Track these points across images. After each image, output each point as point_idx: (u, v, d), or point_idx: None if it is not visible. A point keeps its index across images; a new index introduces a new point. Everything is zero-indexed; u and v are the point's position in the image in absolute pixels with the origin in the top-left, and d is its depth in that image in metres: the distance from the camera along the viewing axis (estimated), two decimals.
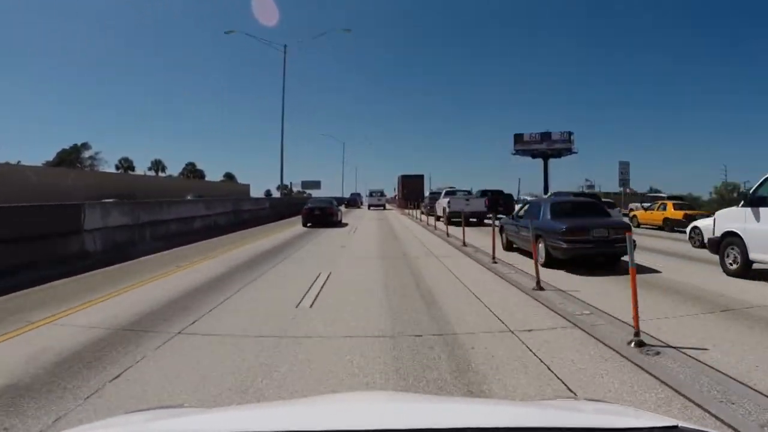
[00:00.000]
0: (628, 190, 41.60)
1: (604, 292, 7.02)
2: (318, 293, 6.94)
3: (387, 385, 3.54)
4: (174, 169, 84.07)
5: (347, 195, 62.80)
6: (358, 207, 51.25)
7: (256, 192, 65.35)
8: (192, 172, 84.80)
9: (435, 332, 4.96)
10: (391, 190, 64.48)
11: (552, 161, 66.56)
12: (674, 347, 4.37)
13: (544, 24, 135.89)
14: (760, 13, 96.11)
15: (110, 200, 17.17)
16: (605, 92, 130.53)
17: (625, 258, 9.71)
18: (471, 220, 18.96)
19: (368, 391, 3.03)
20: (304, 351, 4.37)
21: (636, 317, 4.47)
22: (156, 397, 3.32)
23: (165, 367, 3.97)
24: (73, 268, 9.01)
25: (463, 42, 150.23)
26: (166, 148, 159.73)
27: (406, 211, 37.01)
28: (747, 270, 8.03)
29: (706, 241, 13.23)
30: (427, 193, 37.14)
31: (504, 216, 14.99)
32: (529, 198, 30.83)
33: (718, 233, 8.73)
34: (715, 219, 9.28)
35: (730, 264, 8.35)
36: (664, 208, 20.68)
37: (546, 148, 65.15)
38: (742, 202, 8.21)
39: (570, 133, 65.00)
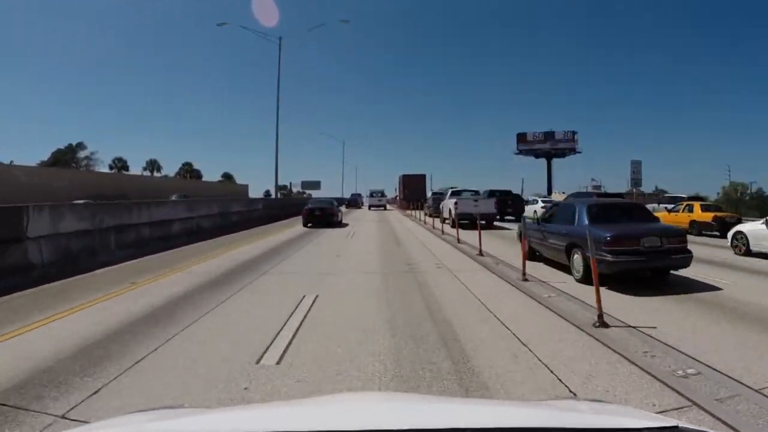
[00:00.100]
0: (634, 191, 39.96)
1: (690, 328, 5.33)
2: (293, 337, 4.85)
3: None
4: (172, 169, 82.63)
5: (347, 195, 61.91)
6: (359, 207, 49.99)
7: (256, 192, 64.10)
8: (188, 172, 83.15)
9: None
10: (392, 191, 62.92)
11: (555, 161, 65.19)
12: None
13: (545, 24, 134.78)
14: (760, 13, 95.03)
15: (80, 201, 15.42)
16: (606, 92, 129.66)
17: (677, 272, 8.27)
18: (480, 222, 17.25)
19: (368, 392, 3.07)
20: None
21: None
22: None
23: None
24: (5, 286, 7.30)
25: (463, 42, 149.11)
26: (164, 148, 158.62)
27: (408, 212, 35.35)
28: None
29: (752, 248, 11.69)
30: (429, 194, 35.63)
31: (512, 217, 13.20)
32: (539, 199, 29.09)
33: None
34: None
35: None
36: (690, 210, 18.93)
37: (549, 147, 63.82)
38: None
39: (574, 133, 63.61)
